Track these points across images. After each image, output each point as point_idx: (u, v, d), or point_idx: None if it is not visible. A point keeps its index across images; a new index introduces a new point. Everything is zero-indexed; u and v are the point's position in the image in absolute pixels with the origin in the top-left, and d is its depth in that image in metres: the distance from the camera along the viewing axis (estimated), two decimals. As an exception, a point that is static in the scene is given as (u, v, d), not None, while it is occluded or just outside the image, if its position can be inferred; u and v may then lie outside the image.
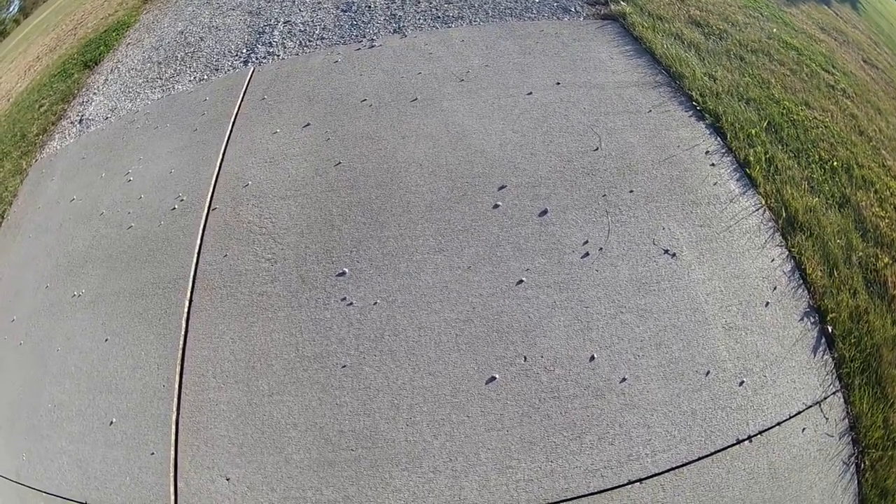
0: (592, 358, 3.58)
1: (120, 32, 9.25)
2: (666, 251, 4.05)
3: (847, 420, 3.41)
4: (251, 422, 3.63)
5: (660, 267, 3.97)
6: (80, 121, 7.16)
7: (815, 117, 5.27)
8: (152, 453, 3.64)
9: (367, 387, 3.67)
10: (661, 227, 4.19)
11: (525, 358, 3.64)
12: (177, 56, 7.56)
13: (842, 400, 3.46)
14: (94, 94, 7.67)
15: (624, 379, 3.49)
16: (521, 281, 4.00)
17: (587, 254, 4.08)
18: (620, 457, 3.28)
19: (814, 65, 6.21)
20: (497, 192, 4.55)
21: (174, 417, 3.76)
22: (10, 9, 31.14)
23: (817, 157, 4.79)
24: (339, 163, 5.03)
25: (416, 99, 5.55)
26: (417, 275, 4.13)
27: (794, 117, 5.18)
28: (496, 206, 4.45)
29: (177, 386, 3.90)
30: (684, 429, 3.32)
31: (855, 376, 3.53)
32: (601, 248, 4.10)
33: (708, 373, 3.49)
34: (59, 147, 6.87)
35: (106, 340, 4.32)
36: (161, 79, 7.17)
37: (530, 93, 5.39)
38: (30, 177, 6.67)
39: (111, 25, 9.77)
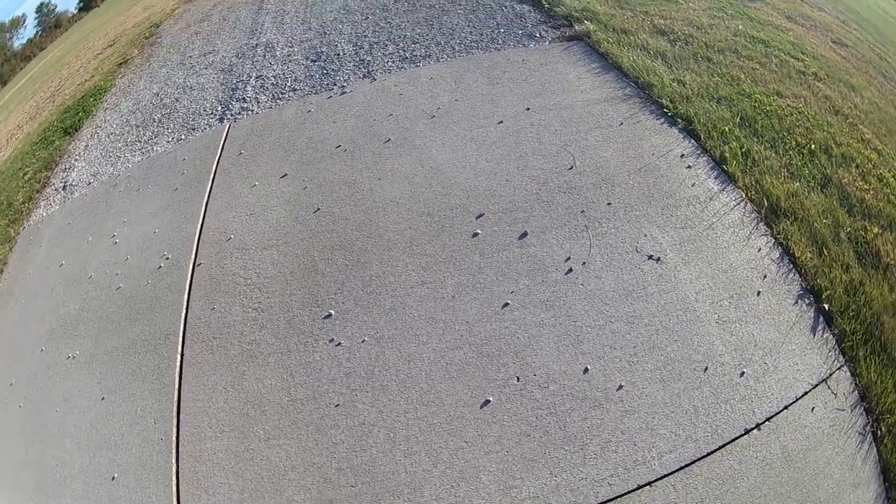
0: (586, 370, 3.65)
1: (97, 98, 9.46)
2: (650, 257, 4.15)
3: (857, 391, 3.47)
4: (250, 467, 3.69)
5: (645, 273, 4.07)
6: (64, 187, 7.32)
7: (789, 105, 5.42)
8: None
9: (361, 423, 3.73)
10: (643, 235, 4.30)
11: (518, 378, 3.70)
12: (154, 118, 7.75)
13: (848, 373, 3.51)
14: (76, 160, 7.85)
15: (621, 386, 3.55)
16: (506, 304, 4.10)
17: (570, 269, 4.20)
18: (626, 463, 3.31)
19: (782, 54, 6.37)
20: (475, 221, 4.69)
21: (174, 469, 3.82)
22: (-14, 77, 31.71)
23: (794, 143, 4.92)
24: (318, 209, 5.19)
25: (388, 140, 5.73)
26: (402, 309, 4.25)
27: (767, 108, 5.35)
28: (475, 235, 4.58)
29: (174, 438, 3.97)
30: (689, 427, 3.37)
31: (859, 348, 3.59)
32: (584, 263, 4.21)
33: (706, 368, 3.55)
34: (45, 214, 7.02)
35: (103, 399, 4.41)
36: (140, 141, 7.35)
37: (501, 121, 5.57)
38: (18, 244, 6.80)
39: (88, 91, 10.00)
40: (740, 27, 6.86)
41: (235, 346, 4.36)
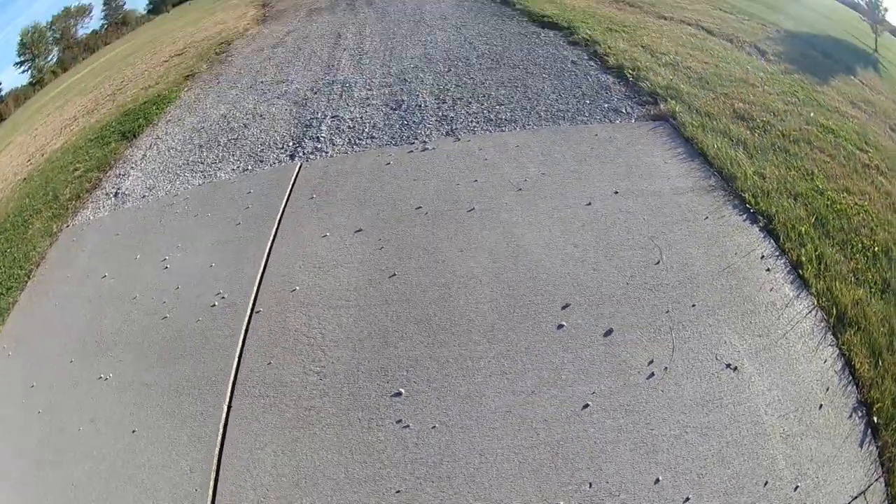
0: (657, 481, 3.46)
1: (160, 107, 9.44)
2: (728, 365, 3.99)
3: (886, 502, 3.36)
4: None
5: (722, 382, 3.89)
6: (116, 194, 7.25)
7: (856, 203, 5.33)
8: None
9: None
10: (723, 341, 4.13)
11: (590, 484, 3.50)
12: (219, 141, 7.67)
13: (883, 484, 3.41)
14: (132, 168, 7.79)
15: (687, 499, 3.37)
16: (586, 405, 3.90)
17: (652, 374, 4.01)
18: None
19: (849, 145, 6.33)
20: (561, 312, 4.48)
21: None
22: (49, 58, 32.39)
23: (860, 245, 4.82)
24: (395, 274, 4.99)
25: (472, 209, 5.55)
26: (479, 398, 4.03)
27: (838, 207, 5.24)
28: (560, 327, 4.39)
29: (211, 493, 3.72)
30: None
31: (895, 460, 3.49)
32: (666, 368, 4.02)
33: (766, 483, 3.40)
34: (91, 217, 6.93)
35: (133, 432, 4.20)
36: (202, 163, 7.25)
37: (589, 203, 5.39)
38: (59, 242, 6.70)
39: (151, 98, 10.01)
40: (812, 115, 6.84)
41: (291, 409, 4.14)
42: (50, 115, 15.06)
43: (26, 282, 6.18)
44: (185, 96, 9.70)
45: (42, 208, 7.61)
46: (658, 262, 4.74)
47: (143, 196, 7.00)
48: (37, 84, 31.56)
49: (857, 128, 6.87)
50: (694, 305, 4.38)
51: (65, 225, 6.97)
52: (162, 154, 7.87)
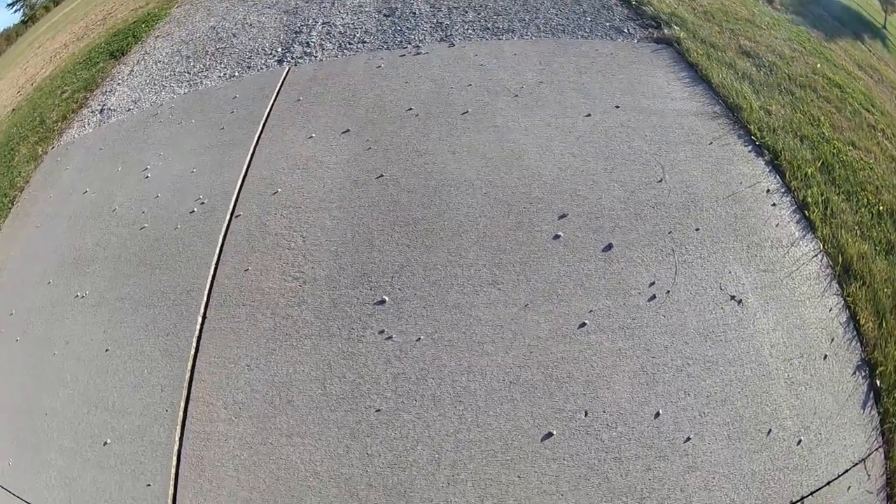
0: (657, 415, 3.07)
1: (150, 25, 8.68)
2: (732, 297, 3.55)
3: (885, 475, 3.07)
4: (265, 464, 3.02)
5: (726, 314, 3.45)
6: (102, 110, 6.58)
7: (862, 158, 4.89)
8: (148, 485, 3.05)
9: (404, 436, 3.04)
10: (728, 271, 3.66)
11: (586, 413, 3.07)
12: (207, 51, 6.95)
13: (882, 456, 3.12)
14: (119, 84, 7.08)
15: (688, 438, 3.00)
16: (583, 324, 3.38)
17: (654, 296, 3.51)
18: (678, 525, 2.78)
19: (856, 103, 5.81)
20: (557, 221, 3.91)
21: (176, 448, 3.16)
22: (41, -6, 30.58)
23: (865, 200, 4.41)
24: (382, 175, 4.38)
25: (466, 112, 4.89)
26: (468, 310, 3.47)
27: (843, 158, 4.79)
28: (557, 237, 3.82)
29: (181, 412, 3.29)
30: (743, 492, 2.89)
31: (895, 431, 3.22)
32: (668, 291, 3.53)
33: (770, 431, 3.06)
34: (77, 136, 6.29)
35: (106, 351, 3.73)
36: (189, 73, 6.55)
37: (589, 115, 4.76)
38: (44, 164, 6.11)
39: (141, 17, 9.23)
40: (818, 66, 6.24)
41: (268, 319, 3.60)
42: (41, 47, 14.03)
43: (10, 208, 5.64)
44: (175, 12, 8.90)
45: (29, 134, 6.98)
46: (661, 181, 4.17)
47: (129, 110, 6.33)
48: (29, 21, 29.88)
49: (863, 89, 6.36)
50: (697, 229, 3.88)
51: (50, 147, 6.40)
52: (149, 68, 7.16)
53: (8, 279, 4.73)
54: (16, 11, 31.34)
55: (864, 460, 3.07)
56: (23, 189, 5.85)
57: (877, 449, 3.13)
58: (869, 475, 3.04)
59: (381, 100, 5.16)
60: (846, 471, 3.02)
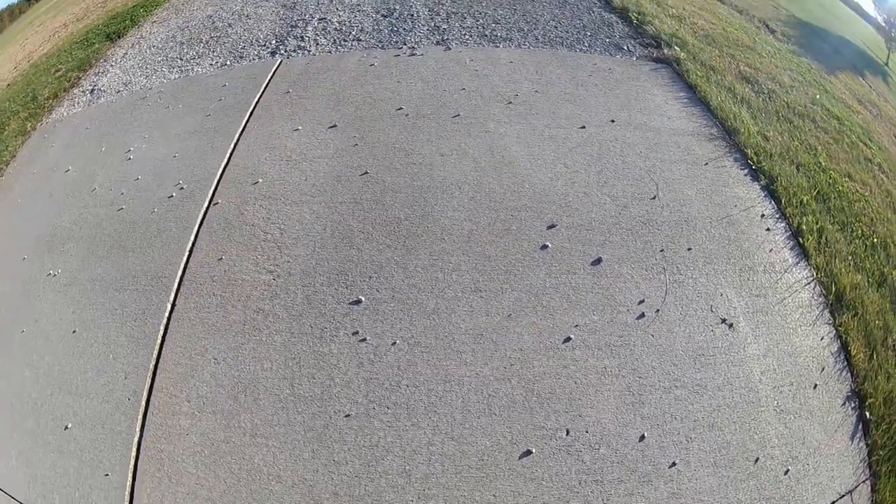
0: (642, 438, 2.96)
1: (148, 10, 8.62)
2: (723, 320, 3.45)
3: None
4: (226, 463, 2.86)
5: (716, 337, 3.36)
6: (92, 90, 6.46)
7: (857, 190, 4.87)
8: (106, 475, 2.91)
9: (373, 444, 2.87)
10: (719, 293, 3.56)
11: (568, 431, 2.94)
12: (201, 38, 6.84)
13: (869, 489, 3.07)
14: (111, 66, 6.98)
15: (674, 464, 2.89)
16: (568, 338, 3.25)
17: (643, 314, 3.39)
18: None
19: (854, 136, 5.83)
20: (546, 231, 3.77)
21: (136, 439, 3.01)
22: (43, -27, 30.50)
23: (860, 231, 4.40)
24: (366, 172, 4.22)
25: (458, 115, 4.76)
26: (448, 316, 3.31)
27: (839, 188, 4.76)
28: (544, 247, 3.68)
29: (144, 402, 3.14)
30: None
31: (883, 464, 3.17)
32: (658, 311, 3.41)
33: (757, 460, 2.98)
34: (66, 114, 6.17)
35: (74, 332, 3.57)
36: (181, 59, 6.44)
37: (583, 126, 4.65)
38: (32, 140, 5.98)
39: (140, 2, 9.16)
40: (817, 96, 6.25)
41: (238, 311, 3.43)
42: (41, 26, 13.92)
43: None
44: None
45: (20, 110, 6.86)
46: (654, 198, 4.06)
47: (118, 91, 6.20)
48: None
49: (861, 122, 6.39)
50: (690, 249, 3.78)
51: (39, 123, 6.28)
52: (142, 52, 7.07)
53: (-15, 255, 4.59)
54: (20, -11, 31.27)
55: (850, 492, 3.00)
56: (8, 163, 5.72)
57: (864, 481, 3.07)
58: (855, 508, 2.93)
59: (371, 97, 5.03)
60: (833, 503, 2.94)
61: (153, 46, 7.05)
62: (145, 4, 8.85)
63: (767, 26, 8.74)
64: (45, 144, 5.68)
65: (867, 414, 3.30)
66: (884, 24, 15.12)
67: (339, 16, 6.78)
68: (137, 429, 3.04)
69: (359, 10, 6.88)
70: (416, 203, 3.96)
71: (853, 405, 3.32)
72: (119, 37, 7.92)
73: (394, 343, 3.21)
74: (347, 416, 2.95)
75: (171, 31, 7.36)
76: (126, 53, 7.19)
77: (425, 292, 3.42)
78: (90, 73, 7.04)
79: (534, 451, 2.86)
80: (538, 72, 5.35)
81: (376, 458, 2.82)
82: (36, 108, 6.66)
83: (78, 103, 6.29)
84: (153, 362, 3.29)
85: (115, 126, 5.44)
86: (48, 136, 5.81)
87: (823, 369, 3.38)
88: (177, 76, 6.06)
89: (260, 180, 4.24)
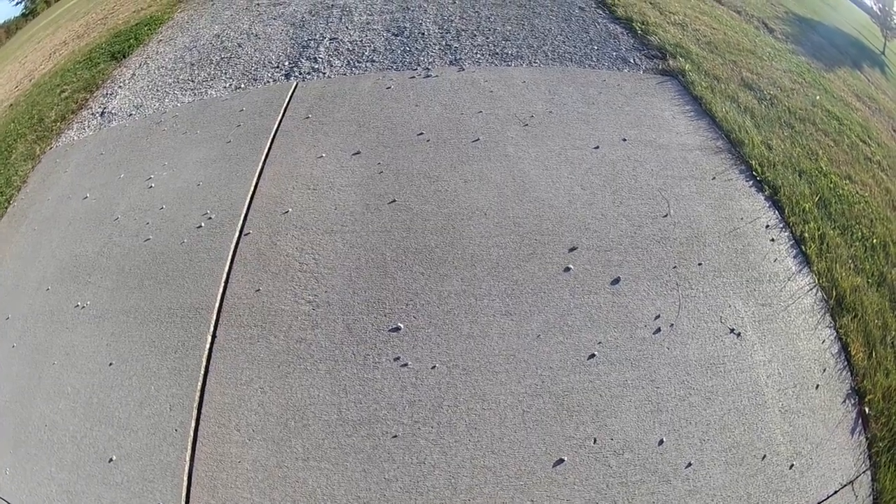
0: (661, 442, 3.22)
1: (152, 28, 8.70)
2: (732, 330, 3.72)
3: (872, 496, 3.24)
4: (280, 487, 3.04)
5: (726, 347, 3.62)
6: (102, 113, 6.59)
7: (857, 192, 5.10)
8: None
9: (420, 461, 3.12)
10: (728, 305, 3.83)
11: (595, 440, 3.21)
12: (211, 59, 6.98)
13: (870, 478, 3.28)
14: (120, 87, 7.09)
15: (690, 464, 3.15)
16: (593, 355, 3.53)
17: (659, 329, 3.67)
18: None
19: (853, 136, 6.07)
20: (568, 254, 4.05)
21: (187, 468, 3.15)
22: (43, -12, 30.52)
23: (860, 234, 4.62)
24: (394, 200, 4.48)
25: (477, 139, 5.03)
26: (482, 339, 3.58)
27: (840, 192, 5.00)
28: (567, 270, 3.96)
29: (192, 432, 3.29)
30: None
31: (882, 454, 3.38)
32: (672, 325, 3.69)
33: (764, 457, 3.22)
34: (76, 138, 6.27)
35: (110, 364, 3.70)
36: (193, 81, 6.58)
37: (597, 147, 4.92)
38: (42, 164, 6.07)
39: (143, 20, 9.24)
40: (817, 97, 6.50)
41: (280, 341, 3.65)
42: (41, 42, 13.90)
43: (6, 208, 5.57)
44: (178, 17, 8.90)
45: (27, 132, 6.90)
46: (666, 216, 4.34)
47: (130, 114, 6.33)
48: (29, 14, 29.75)
49: (860, 120, 6.60)
50: (700, 264, 4.04)
51: (48, 147, 6.34)
52: (151, 73, 7.16)
53: (4, 282, 4.69)
54: (17, 4, 31.48)
55: (852, 482, 3.22)
56: (20, 189, 5.79)
57: (864, 472, 3.29)
58: (857, 496, 3.19)
59: (391, 122, 5.25)
60: (835, 492, 3.16)
61: (162, 67, 7.15)
62: (149, 22, 8.90)
63: (766, 25, 8.97)
64: (57, 169, 5.77)
65: (867, 409, 3.52)
66: (878, 13, 15.36)
67: (350, 35, 6.95)
68: (188, 458, 3.18)
69: (369, 29, 7.06)
70: (444, 230, 4.21)
71: (853, 402, 3.55)
72: (124, 56, 8.01)
73: (433, 367, 3.47)
74: (395, 436, 3.21)
75: (178, 50, 7.48)
76: (134, 74, 7.29)
77: (460, 317, 3.69)
78: (98, 94, 7.14)
79: (566, 459, 3.12)
80: (550, 91, 5.61)
81: (424, 474, 3.07)
82: (43, 130, 6.73)
83: (88, 126, 6.39)
84: (198, 394, 3.44)
85: (132, 152, 5.56)
86: (60, 161, 5.90)
87: (825, 370, 3.61)
88: (190, 99, 6.21)
89: (289, 210, 4.45)
